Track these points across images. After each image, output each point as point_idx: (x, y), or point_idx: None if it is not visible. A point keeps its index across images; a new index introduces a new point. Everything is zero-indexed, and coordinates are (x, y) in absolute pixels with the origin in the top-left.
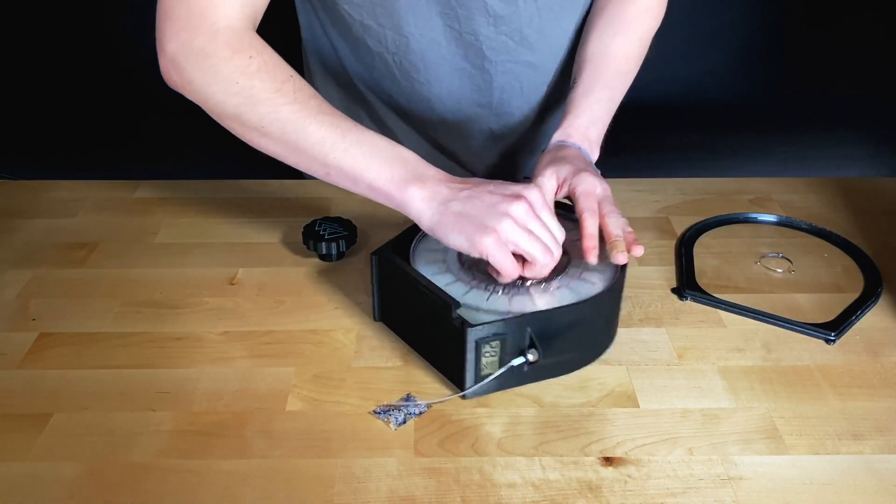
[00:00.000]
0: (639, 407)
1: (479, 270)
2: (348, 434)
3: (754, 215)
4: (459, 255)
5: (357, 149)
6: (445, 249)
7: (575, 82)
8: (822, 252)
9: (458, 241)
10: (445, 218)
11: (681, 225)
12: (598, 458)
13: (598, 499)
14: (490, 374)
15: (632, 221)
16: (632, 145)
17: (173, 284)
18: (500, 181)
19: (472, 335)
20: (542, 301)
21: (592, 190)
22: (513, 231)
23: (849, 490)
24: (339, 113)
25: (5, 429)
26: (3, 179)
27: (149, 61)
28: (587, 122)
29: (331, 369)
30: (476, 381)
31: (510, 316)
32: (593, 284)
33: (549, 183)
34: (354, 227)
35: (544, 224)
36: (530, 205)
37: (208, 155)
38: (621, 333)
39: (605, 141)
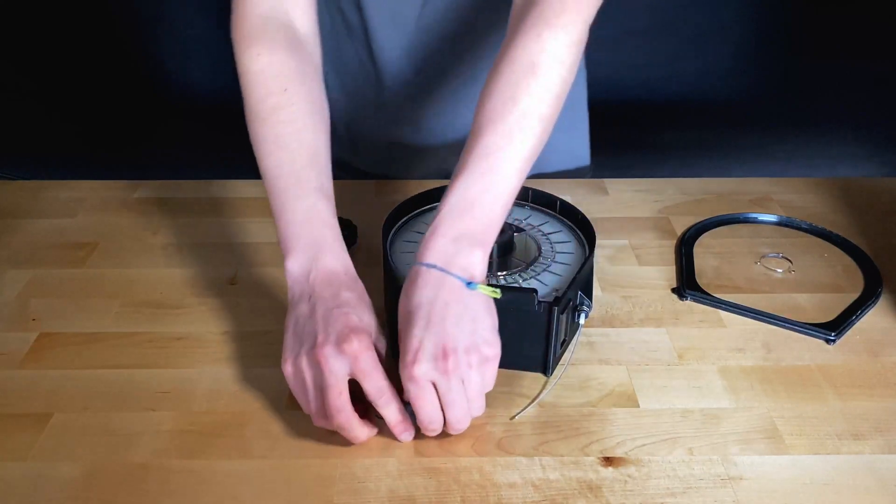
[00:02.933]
0: (639, 407)
1: None
2: None
3: (754, 215)
4: None
5: (281, 202)
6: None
7: (463, 151)
8: (822, 252)
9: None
10: (290, 313)
11: (681, 225)
12: (598, 458)
13: (598, 499)
14: (564, 340)
15: (632, 221)
16: (632, 145)
17: (173, 284)
18: (352, 307)
19: (556, 311)
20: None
21: (407, 381)
22: (309, 372)
23: (849, 490)
24: (302, 155)
25: (5, 429)
26: (3, 179)
27: (149, 61)
28: (464, 211)
29: None
30: (555, 356)
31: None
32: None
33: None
34: (354, 227)
35: (331, 397)
36: (348, 363)
37: (208, 155)
38: (621, 333)
39: (605, 141)
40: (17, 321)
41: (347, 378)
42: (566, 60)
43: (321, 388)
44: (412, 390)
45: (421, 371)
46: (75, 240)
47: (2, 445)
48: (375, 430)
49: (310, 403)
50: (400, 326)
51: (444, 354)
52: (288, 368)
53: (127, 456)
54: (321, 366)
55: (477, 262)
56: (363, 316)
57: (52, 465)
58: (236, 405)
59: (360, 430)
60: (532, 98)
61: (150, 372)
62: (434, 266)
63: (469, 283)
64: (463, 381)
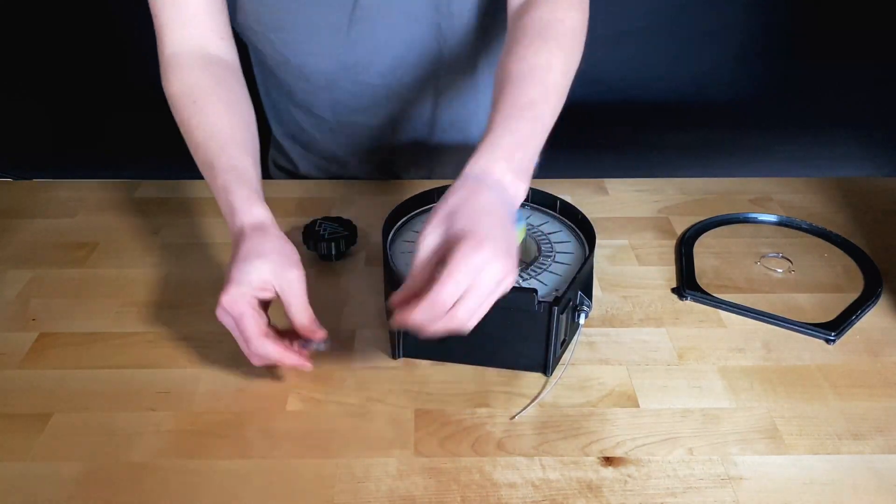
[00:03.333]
0: (639, 407)
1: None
2: (348, 434)
3: (754, 215)
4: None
5: (218, 184)
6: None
7: (494, 103)
8: (822, 252)
9: None
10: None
11: (681, 225)
12: (598, 458)
13: (598, 499)
14: (564, 340)
15: (632, 221)
16: (632, 145)
17: (173, 284)
18: (267, 252)
19: (556, 311)
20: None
21: (460, 260)
22: (222, 313)
23: (849, 490)
24: (211, 147)
25: (5, 429)
26: (3, 179)
27: (149, 61)
28: (507, 148)
29: (331, 369)
30: (555, 356)
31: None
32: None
33: (423, 250)
34: (354, 227)
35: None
36: (224, 310)
37: None
38: (621, 333)
39: (606, 140)
40: (17, 321)
41: (238, 325)
42: (582, 34)
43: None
44: (420, 247)
45: (437, 230)
46: (75, 240)
47: (2, 445)
48: (305, 361)
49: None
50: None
51: (473, 232)
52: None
53: (127, 456)
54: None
55: (521, 193)
56: (240, 269)
57: (52, 465)
58: (236, 405)
59: (287, 360)
60: (560, 63)
61: (150, 372)
62: (478, 176)
63: (516, 216)
64: (479, 273)
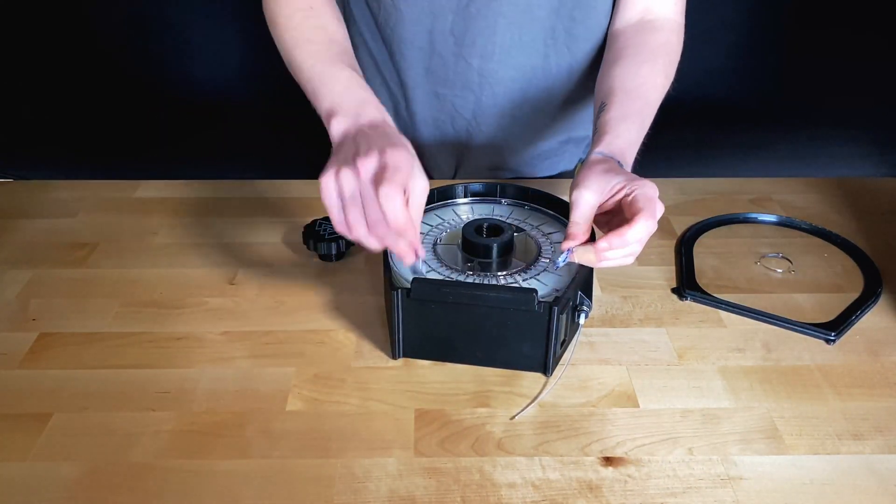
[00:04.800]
0: (639, 407)
1: (454, 261)
2: (348, 434)
3: (754, 215)
4: (434, 246)
5: (319, 80)
6: (421, 241)
7: (605, 107)
8: (822, 252)
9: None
10: (335, 149)
11: (681, 225)
12: (598, 458)
13: (598, 499)
14: (564, 340)
15: None
16: None
17: (173, 284)
18: (399, 138)
19: (556, 311)
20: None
21: (654, 197)
22: (346, 182)
23: (849, 490)
24: (333, 48)
25: (5, 429)
26: (3, 179)
27: (149, 61)
28: (624, 143)
29: (331, 369)
30: (554, 356)
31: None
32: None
33: (585, 205)
34: None
35: (379, 196)
36: (383, 168)
37: (209, 155)
38: (621, 333)
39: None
40: (17, 321)
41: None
42: (678, 56)
43: (351, 192)
44: (581, 202)
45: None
46: (75, 240)
47: (2, 445)
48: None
49: (344, 215)
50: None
51: (649, 198)
52: (326, 180)
53: (127, 456)
54: (358, 168)
55: None
56: (405, 142)
57: (51, 465)
58: (236, 405)
59: (412, 236)
60: (662, 79)
61: (150, 372)
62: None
63: None
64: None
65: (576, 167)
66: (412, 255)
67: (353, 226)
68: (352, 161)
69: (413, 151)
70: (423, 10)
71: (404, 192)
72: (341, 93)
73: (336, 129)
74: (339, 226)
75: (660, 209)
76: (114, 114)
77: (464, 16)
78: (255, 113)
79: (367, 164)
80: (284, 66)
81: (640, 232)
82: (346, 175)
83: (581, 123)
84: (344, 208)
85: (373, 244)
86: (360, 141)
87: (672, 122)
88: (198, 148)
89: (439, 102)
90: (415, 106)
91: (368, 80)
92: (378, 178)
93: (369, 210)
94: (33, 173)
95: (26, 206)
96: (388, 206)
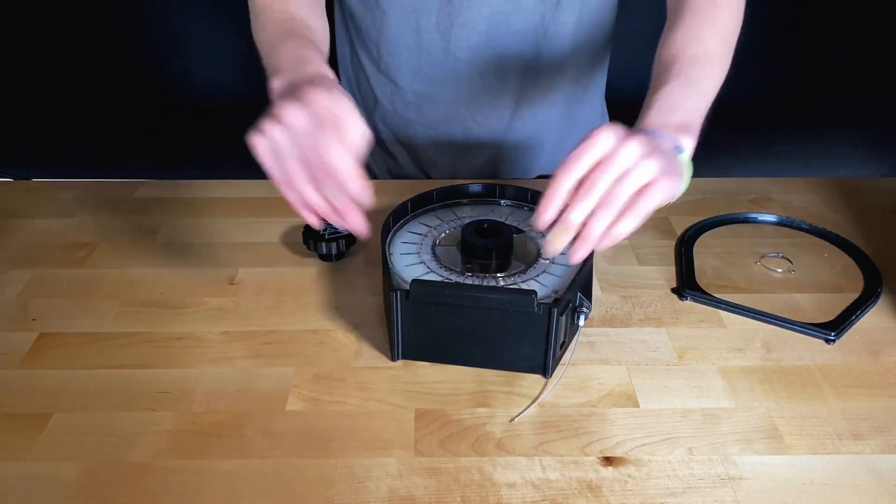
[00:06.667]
0: (639, 407)
1: (451, 262)
2: (348, 434)
3: (754, 215)
4: (433, 247)
5: (275, 55)
6: (420, 242)
7: (658, 76)
8: (822, 252)
9: None
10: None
11: (681, 225)
12: (598, 458)
13: (598, 499)
14: (563, 342)
15: None
16: None
17: (173, 284)
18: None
19: (556, 313)
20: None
21: (603, 126)
22: (275, 135)
23: (849, 490)
24: (295, 26)
25: (5, 429)
26: (3, 179)
27: (149, 61)
28: (666, 107)
29: (331, 369)
30: (554, 358)
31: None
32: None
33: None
34: None
35: (320, 143)
36: (315, 115)
37: (208, 155)
38: (621, 333)
39: None
40: (17, 321)
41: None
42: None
43: (285, 145)
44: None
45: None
46: (75, 240)
47: (2, 445)
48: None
49: (281, 169)
50: None
51: (629, 134)
52: (255, 138)
53: (127, 456)
54: (284, 121)
55: (684, 145)
56: (340, 89)
57: (51, 465)
58: (236, 405)
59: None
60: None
61: (150, 372)
62: (647, 130)
63: (677, 148)
64: (627, 174)
65: None
66: (360, 222)
67: (297, 182)
68: (279, 113)
69: (348, 96)
70: (406, 8)
71: (342, 139)
72: (285, 57)
73: (275, 89)
74: (283, 185)
75: (605, 136)
76: (114, 114)
77: (448, 10)
78: (256, 113)
79: (295, 113)
80: None
81: (553, 189)
82: (274, 128)
83: (579, 113)
84: (282, 164)
85: (317, 201)
86: (294, 94)
87: None
88: (198, 148)
89: (432, 101)
90: (408, 107)
91: (361, 92)
92: (311, 127)
93: (309, 160)
94: (33, 173)
95: (26, 206)
96: (325, 153)
